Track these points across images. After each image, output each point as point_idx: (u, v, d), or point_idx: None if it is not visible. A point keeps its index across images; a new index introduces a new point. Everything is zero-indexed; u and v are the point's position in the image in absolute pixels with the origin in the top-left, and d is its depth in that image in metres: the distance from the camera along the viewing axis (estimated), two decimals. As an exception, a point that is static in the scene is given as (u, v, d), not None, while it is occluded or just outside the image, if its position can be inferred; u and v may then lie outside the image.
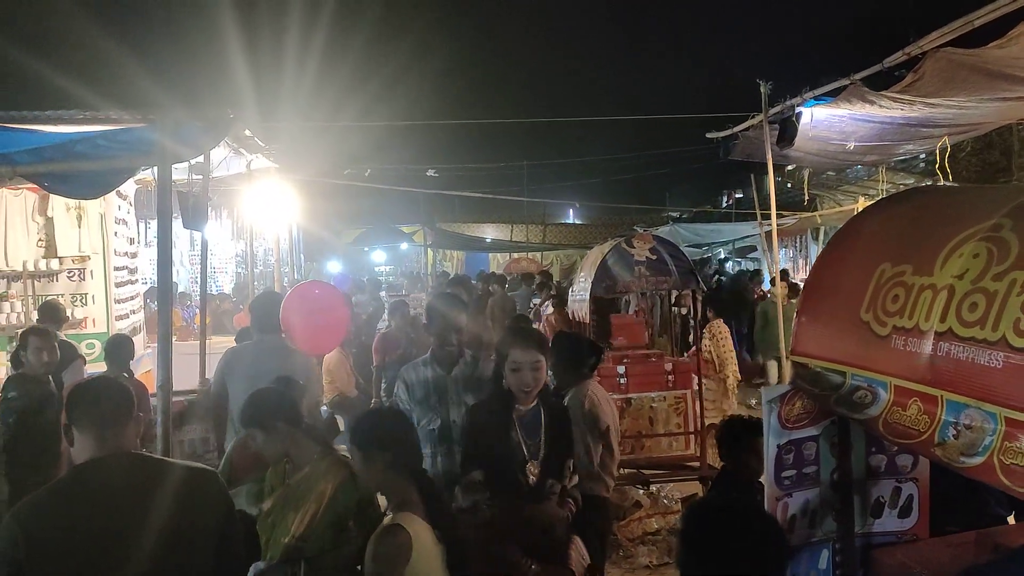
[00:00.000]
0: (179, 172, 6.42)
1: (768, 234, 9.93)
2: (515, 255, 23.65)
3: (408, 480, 2.78)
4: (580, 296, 7.09)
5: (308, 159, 12.20)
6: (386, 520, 2.70)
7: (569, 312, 7.62)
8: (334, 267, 21.67)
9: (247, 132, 8.04)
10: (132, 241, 9.76)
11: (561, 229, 26.44)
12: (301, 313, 5.94)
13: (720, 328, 9.67)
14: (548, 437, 3.49)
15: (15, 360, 5.54)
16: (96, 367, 6.50)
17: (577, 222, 29.92)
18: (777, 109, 7.70)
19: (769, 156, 8.03)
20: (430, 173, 18.49)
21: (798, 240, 17.46)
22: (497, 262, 25.03)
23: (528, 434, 3.47)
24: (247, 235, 12.41)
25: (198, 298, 10.43)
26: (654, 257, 6.67)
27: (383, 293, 15.97)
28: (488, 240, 24.62)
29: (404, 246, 25.59)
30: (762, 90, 7.91)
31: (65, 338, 6.49)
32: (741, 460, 3.30)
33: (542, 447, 3.47)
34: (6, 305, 8.31)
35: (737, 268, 19.50)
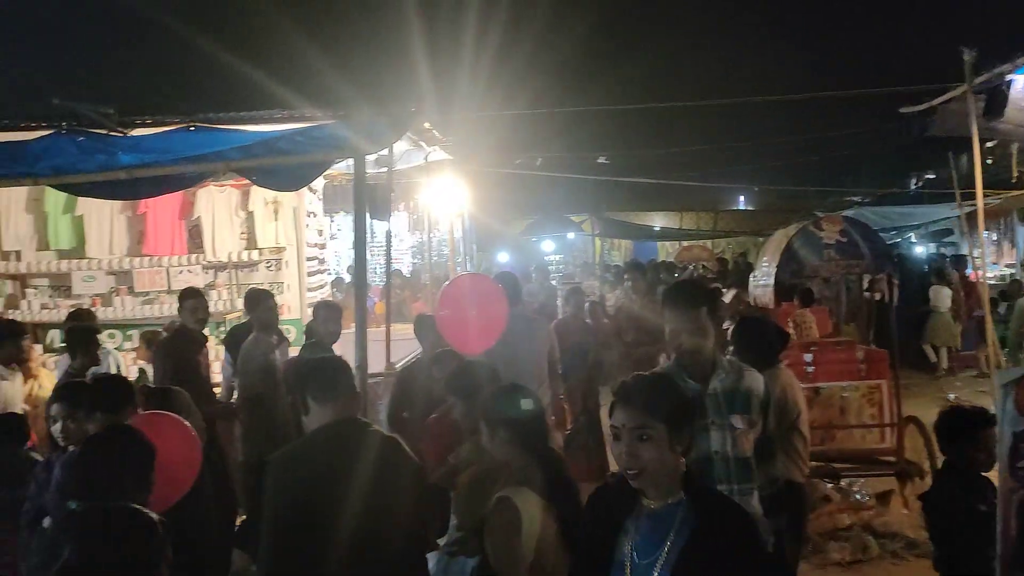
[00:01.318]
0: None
1: (969, 216, 9.15)
2: (685, 243, 23.17)
3: (529, 456, 2.92)
4: (764, 282, 6.83)
5: (481, 150, 12.46)
6: (499, 493, 2.84)
7: (751, 298, 7.36)
8: (504, 257, 22.09)
9: (426, 125, 8.30)
10: (320, 233, 10.36)
11: (733, 216, 25.60)
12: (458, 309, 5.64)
13: (804, 318, 9.00)
14: (682, 561, 2.14)
15: (228, 340, 6.12)
16: (295, 351, 6.94)
17: (749, 208, 28.89)
18: (984, 77, 7.05)
19: (975, 130, 7.37)
20: (601, 160, 18.35)
21: (1002, 222, 16.02)
22: (666, 251, 24.62)
23: (644, 548, 2.20)
24: (424, 226, 12.87)
25: (376, 286, 10.95)
26: (844, 240, 6.32)
27: (554, 282, 16.13)
28: (657, 228, 24.25)
29: (571, 235, 25.68)
30: (965, 58, 7.26)
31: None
32: (965, 453, 3.05)
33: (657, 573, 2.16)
34: (213, 294, 9.04)
35: (930, 253, 18.16)
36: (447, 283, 5.50)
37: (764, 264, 7.00)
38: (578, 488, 3.05)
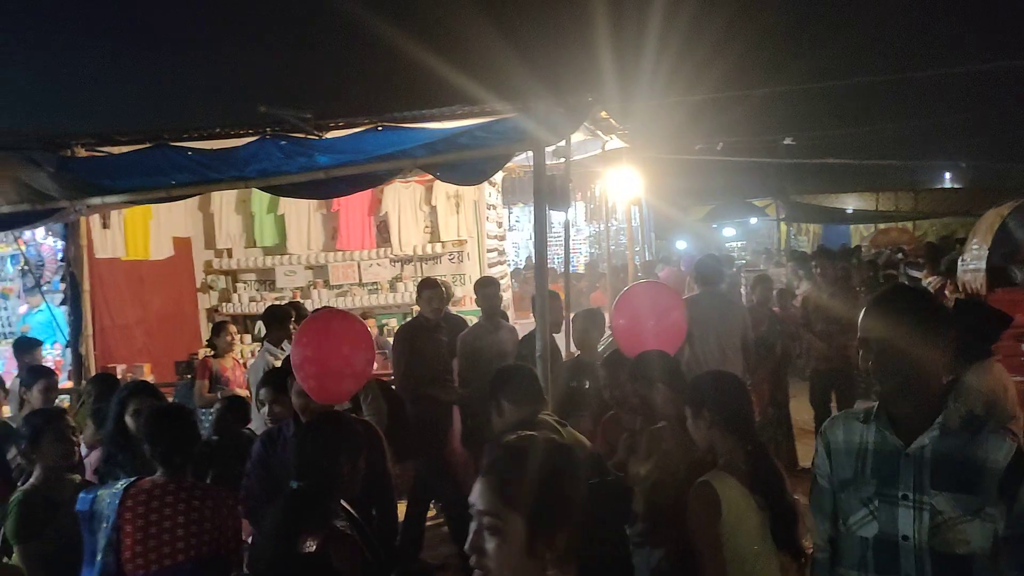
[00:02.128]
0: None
1: None
2: (881, 226, 21.65)
3: (735, 442, 2.86)
4: (974, 265, 6.26)
5: (659, 137, 12.25)
6: (701, 478, 2.82)
7: (960, 283, 6.77)
8: (682, 244, 21.66)
9: (603, 114, 8.24)
10: (500, 225, 10.57)
11: (935, 195, 23.54)
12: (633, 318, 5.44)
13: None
14: None
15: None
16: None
17: (955, 186, 26.54)
18: None
19: None
20: (787, 142, 17.49)
21: None
22: (860, 234, 23.15)
23: None
24: (601, 215, 12.84)
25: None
26: (1069, 217, 5.67)
27: (735, 269, 15.64)
28: (849, 211, 22.80)
29: (753, 220, 24.76)
30: None
31: (455, 314, 7.21)
32: None
33: None
34: (400, 285, 9.48)
35: None
36: (623, 291, 5.31)
37: (974, 247, 6.40)
38: (784, 478, 2.95)
